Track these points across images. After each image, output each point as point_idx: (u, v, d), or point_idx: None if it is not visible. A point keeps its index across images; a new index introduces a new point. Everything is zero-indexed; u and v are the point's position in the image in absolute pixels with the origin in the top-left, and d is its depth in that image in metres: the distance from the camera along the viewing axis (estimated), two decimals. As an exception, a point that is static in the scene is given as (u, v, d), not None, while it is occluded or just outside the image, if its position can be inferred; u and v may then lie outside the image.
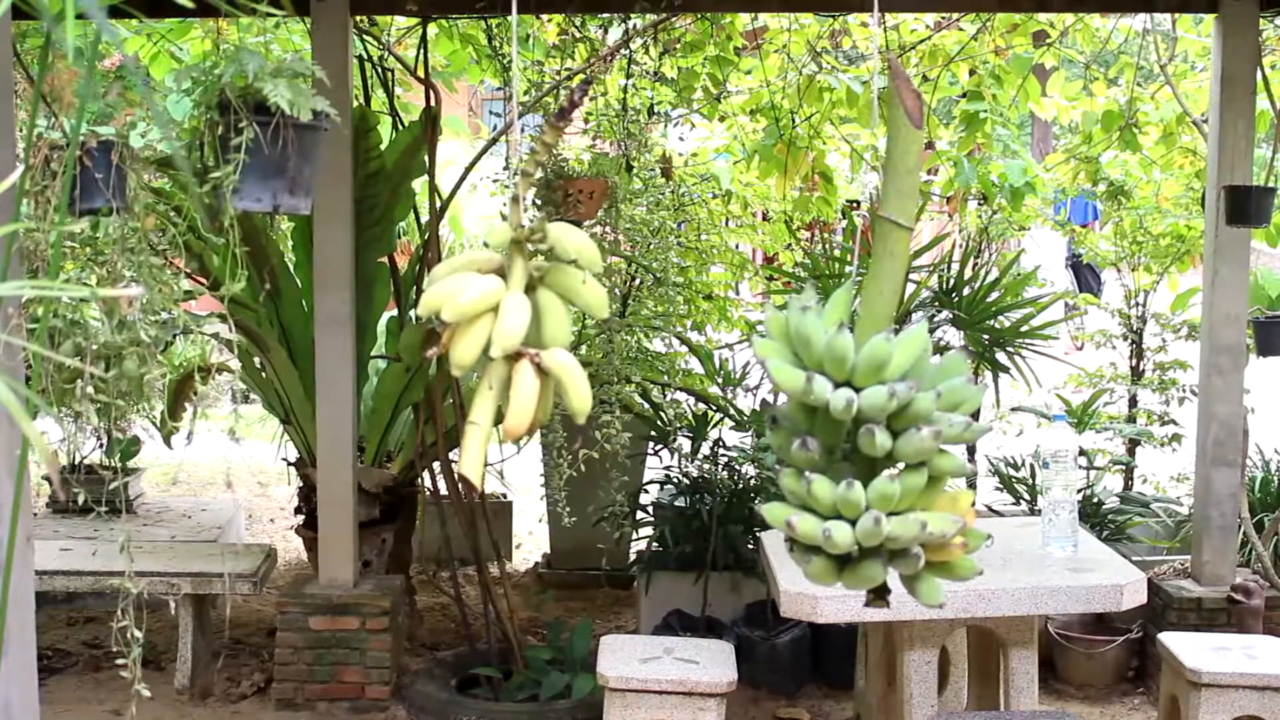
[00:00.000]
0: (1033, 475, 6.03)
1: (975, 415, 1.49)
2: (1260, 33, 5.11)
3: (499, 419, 1.70)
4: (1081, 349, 8.87)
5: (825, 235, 7.15)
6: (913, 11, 5.89)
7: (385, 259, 5.61)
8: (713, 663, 4.11)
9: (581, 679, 4.84)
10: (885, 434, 1.40)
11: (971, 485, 1.57)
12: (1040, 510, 4.26)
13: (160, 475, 7.61)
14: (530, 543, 7.50)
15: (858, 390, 1.39)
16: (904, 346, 1.41)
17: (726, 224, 7.35)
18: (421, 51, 5.57)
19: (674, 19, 5.85)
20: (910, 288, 5.57)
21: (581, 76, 5.53)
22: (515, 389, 1.68)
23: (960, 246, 6.46)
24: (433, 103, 5.46)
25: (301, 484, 5.76)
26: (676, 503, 5.71)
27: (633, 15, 5.66)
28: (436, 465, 5.48)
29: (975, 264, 6.09)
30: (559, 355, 1.74)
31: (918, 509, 1.45)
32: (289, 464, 5.81)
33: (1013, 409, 6.83)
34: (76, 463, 6.16)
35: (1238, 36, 4.96)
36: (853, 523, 1.42)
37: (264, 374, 5.50)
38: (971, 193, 6.72)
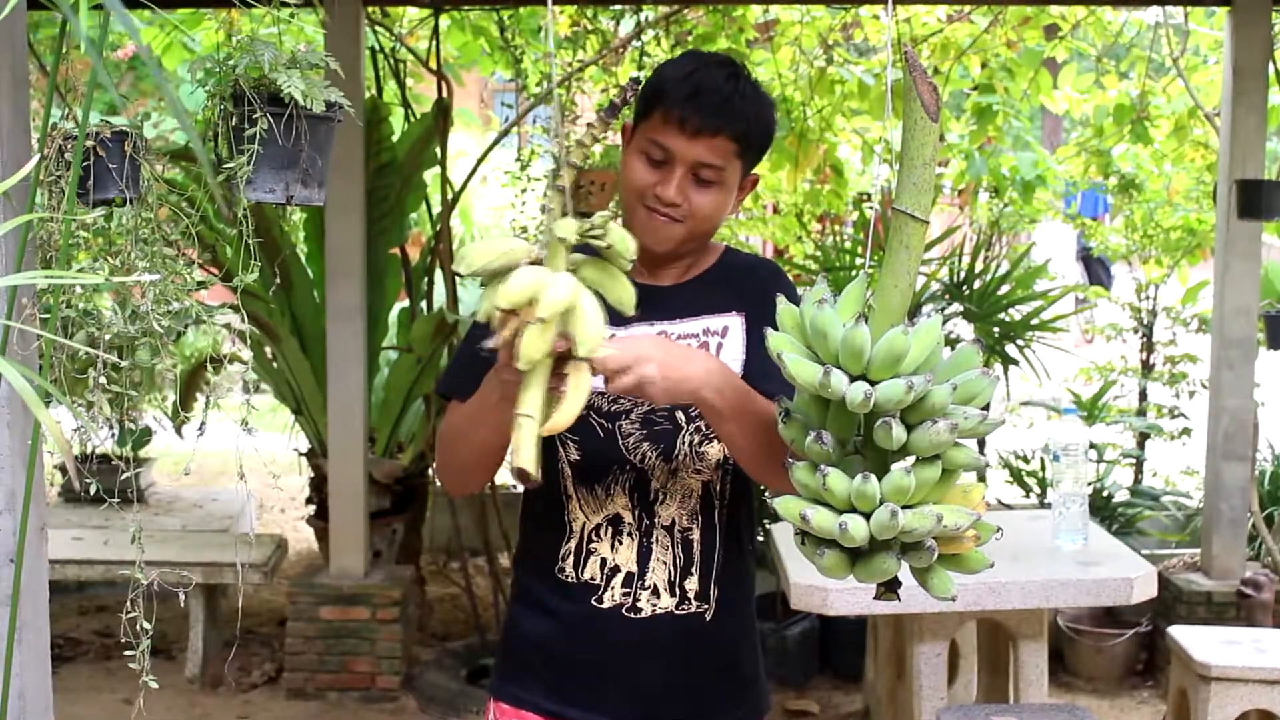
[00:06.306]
0: (1043, 468, 6.02)
1: (986, 408, 1.49)
2: (1273, 26, 5.09)
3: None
4: (1091, 342, 8.85)
5: (836, 228, 7.14)
6: (925, 4, 5.88)
7: (397, 250, 5.62)
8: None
9: (590, 670, 4.84)
10: (901, 427, 1.40)
11: (982, 478, 1.57)
12: (1050, 503, 4.25)
13: (172, 465, 7.62)
14: (540, 534, 7.49)
15: (873, 383, 1.39)
16: (919, 339, 1.41)
17: (737, 216, 7.35)
18: (433, 43, 5.57)
19: (686, 11, 5.86)
20: (920, 280, 5.56)
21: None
22: (574, 387, 1.66)
23: (971, 239, 6.44)
24: (444, 94, 5.46)
25: (312, 474, 5.78)
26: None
27: (644, 7, 5.67)
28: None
29: (986, 257, 6.08)
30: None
31: (930, 502, 1.45)
32: (300, 454, 5.82)
33: (1023, 402, 6.82)
34: (89, 452, 6.17)
35: (1250, 29, 4.95)
36: (868, 516, 1.42)
37: (275, 364, 5.51)
38: (983, 185, 6.72)
